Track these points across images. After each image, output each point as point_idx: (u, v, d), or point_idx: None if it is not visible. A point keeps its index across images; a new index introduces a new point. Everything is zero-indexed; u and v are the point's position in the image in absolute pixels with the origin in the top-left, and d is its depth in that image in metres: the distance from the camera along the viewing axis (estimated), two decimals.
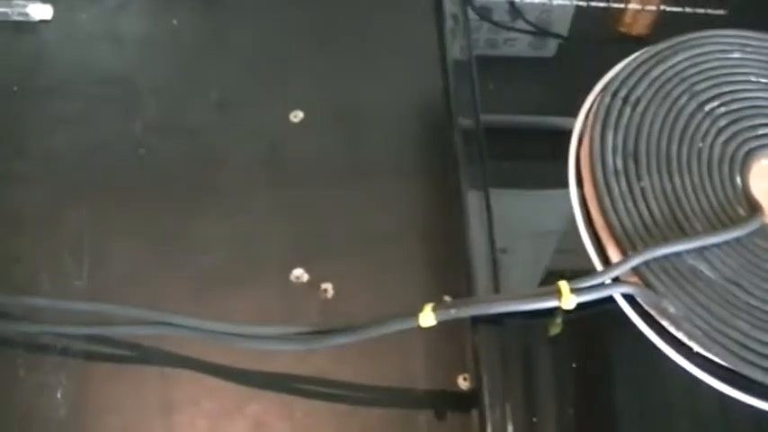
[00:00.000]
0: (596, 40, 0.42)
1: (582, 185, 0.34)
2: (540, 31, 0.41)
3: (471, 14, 0.41)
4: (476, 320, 0.31)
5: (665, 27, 0.41)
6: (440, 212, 0.36)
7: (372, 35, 0.42)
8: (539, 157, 0.35)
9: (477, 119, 0.35)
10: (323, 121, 0.39)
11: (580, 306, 0.30)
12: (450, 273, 0.33)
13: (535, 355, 0.30)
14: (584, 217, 0.33)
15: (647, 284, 0.31)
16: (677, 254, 0.32)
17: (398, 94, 0.40)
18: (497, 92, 0.37)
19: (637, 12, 0.43)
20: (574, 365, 0.30)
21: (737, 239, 0.32)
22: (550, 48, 0.41)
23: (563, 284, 0.30)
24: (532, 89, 0.38)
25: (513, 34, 0.41)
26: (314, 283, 0.34)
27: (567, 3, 0.42)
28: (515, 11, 0.42)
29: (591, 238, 0.33)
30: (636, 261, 0.31)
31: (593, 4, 0.43)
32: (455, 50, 0.38)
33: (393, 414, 0.31)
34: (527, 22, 0.41)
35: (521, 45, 0.40)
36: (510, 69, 0.39)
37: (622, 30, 0.42)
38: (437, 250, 0.34)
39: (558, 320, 0.31)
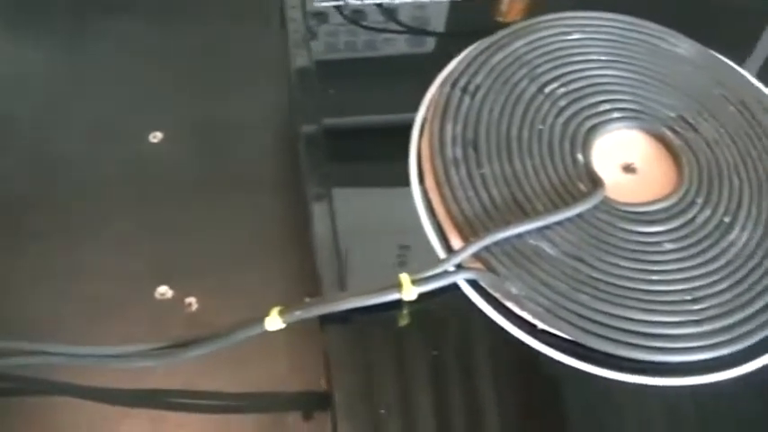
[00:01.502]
0: (457, 34, 0.42)
1: (424, 179, 0.35)
2: (388, 30, 0.41)
3: (311, 23, 0.41)
4: (324, 320, 0.31)
5: (543, 12, 0.42)
6: (298, 221, 0.36)
7: (226, 52, 0.43)
8: (384, 156, 0.36)
9: (320, 124, 0.36)
10: (182, 140, 0.40)
11: (428, 295, 0.31)
12: (310, 278, 0.34)
13: (385, 349, 0.31)
14: (426, 209, 0.34)
15: (490, 268, 0.32)
16: (519, 236, 0.32)
17: (254, 109, 0.41)
18: (343, 95, 0.38)
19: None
20: (423, 356, 0.30)
21: (580, 215, 0.33)
22: (398, 46, 0.41)
23: (404, 277, 0.31)
24: (379, 88, 0.39)
25: (369, 36, 0.42)
26: (178, 299, 0.34)
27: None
28: (385, 11, 0.43)
29: (435, 229, 0.33)
30: (475, 247, 0.32)
31: None
32: (299, 59, 0.39)
33: (262, 418, 0.32)
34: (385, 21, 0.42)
35: (369, 45, 0.41)
36: (356, 71, 0.40)
37: (499, 18, 0.43)
38: (298, 257, 0.35)
39: (405, 312, 0.31)
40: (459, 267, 0.32)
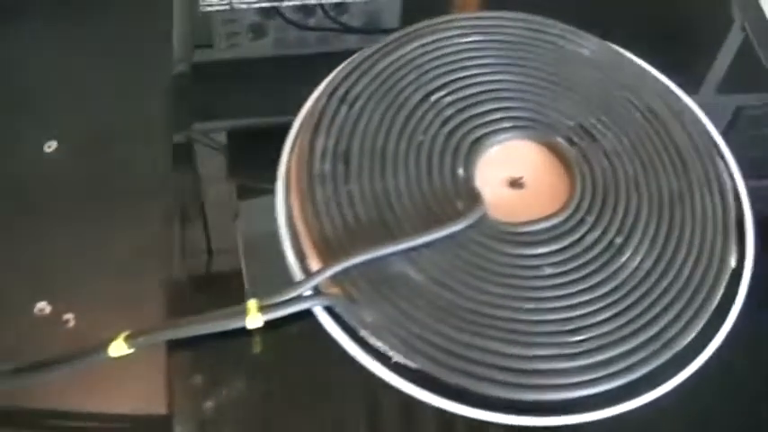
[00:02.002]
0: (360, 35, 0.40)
1: (289, 195, 0.33)
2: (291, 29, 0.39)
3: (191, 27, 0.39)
4: (171, 345, 0.29)
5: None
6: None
7: (121, 59, 0.41)
8: (255, 168, 0.33)
9: (190, 129, 0.34)
10: (76, 149, 0.38)
11: (282, 320, 0.29)
12: (191, 293, 0.33)
13: (230, 377, 0.28)
14: (288, 228, 0.32)
15: (347, 294, 0.30)
16: (382, 259, 0.30)
17: (149, 117, 0.39)
18: (221, 99, 0.36)
19: None
20: (268, 386, 0.29)
21: (452, 237, 0.31)
22: (288, 47, 0.39)
23: (252, 303, 0.29)
24: (263, 93, 0.36)
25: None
26: (56, 315, 0.33)
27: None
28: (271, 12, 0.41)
29: (294, 250, 0.31)
30: (330, 271, 0.30)
31: None
32: (179, 64, 0.36)
33: None
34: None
35: (256, 48, 0.38)
36: (241, 74, 0.37)
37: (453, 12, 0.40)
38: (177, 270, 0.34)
39: (256, 339, 0.29)
40: (317, 292, 0.30)
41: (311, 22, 0.40)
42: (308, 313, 0.30)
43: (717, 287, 0.31)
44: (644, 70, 0.38)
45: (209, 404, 0.28)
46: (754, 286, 0.32)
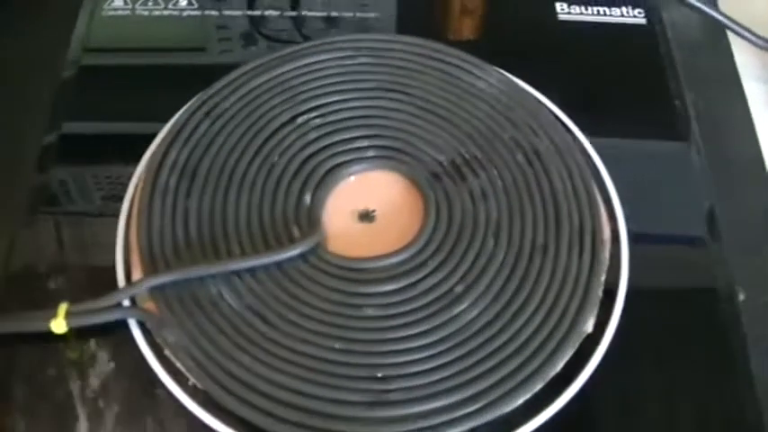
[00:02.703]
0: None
1: (133, 204, 0.32)
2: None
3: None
4: None
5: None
6: None
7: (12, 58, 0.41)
8: (113, 174, 0.33)
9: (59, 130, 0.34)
10: None
11: (99, 329, 0.28)
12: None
13: (37, 383, 0.28)
14: (124, 238, 0.31)
15: (159, 311, 0.29)
16: (201, 280, 0.29)
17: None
18: (103, 102, 0.36)
19: None
20: (69, 397, 0.28)
21: (280, 266, 0.30)
22: (180, 58, 0.38)
23: (62, 306, 0.29)
24: (146, 99, 0.36)
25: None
26: None
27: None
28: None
29: (124, 261, 0.31)
30: (140, 286, 0.29)
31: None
32: (67, 66, 0.37)
33: None
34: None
35: (152, 55, 0.38)
36: (131, 80, 0.37)
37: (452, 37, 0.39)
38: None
39: (67, 345, 0.29)
40: (133, 305, 0.29)
41: (300, 32, 0.39)
42: (123, 325, 0.29)
43: (559, 352, 0.28)
44: (541, 109, 0.35)
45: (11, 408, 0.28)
46: (611, 356, 0.29)
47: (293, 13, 0.40)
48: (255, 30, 0.40)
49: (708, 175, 0.35)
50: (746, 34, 0.41)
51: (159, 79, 0.37)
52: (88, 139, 0.35)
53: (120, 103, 0.36)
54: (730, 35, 0.42)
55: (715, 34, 0.43)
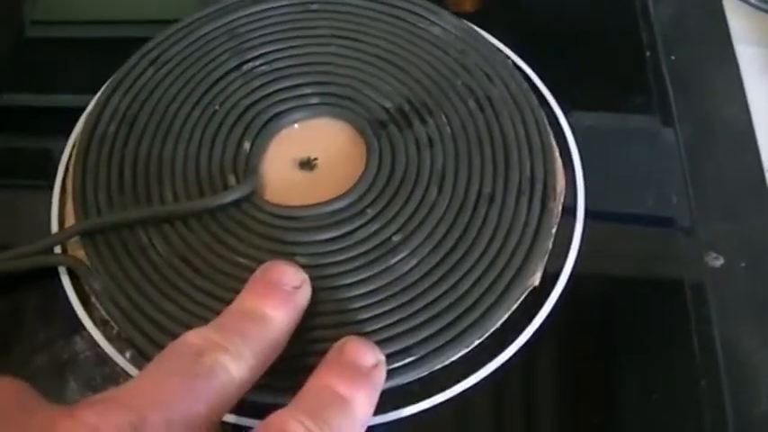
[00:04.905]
0: None
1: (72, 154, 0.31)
2: None
3: None
4: None
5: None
6: None
7: None
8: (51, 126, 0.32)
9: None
10: None
11: (30, 276, 0.27)
12: None
13: None
14: (61, 187, 0.30)
15: (88, 258, 0.28)
16: (132, 227, 0.28)
17: None
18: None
19: None
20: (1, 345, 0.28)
21: (210, 213, 0.28)
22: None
23: None
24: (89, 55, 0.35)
25: None
26: None
27: None
28: None
29: (59, 209, 0.29)
30: (67, 233, 0.28)
31: None
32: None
33: None
34: None
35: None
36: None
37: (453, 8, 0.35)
38: None
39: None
40: (64, 252, 0.28)
41: None
42: (56, 274, 0.28)
43: (499, 306, 0.26)
44: (498, 54, 0.32)
45: None
46: (557, 313, 0.26)
47: None
48: None
49: (678, 135, 0.31)
50: None
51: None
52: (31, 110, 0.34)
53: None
54: None
55: None
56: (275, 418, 0.21)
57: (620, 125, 0.32)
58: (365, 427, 0.23)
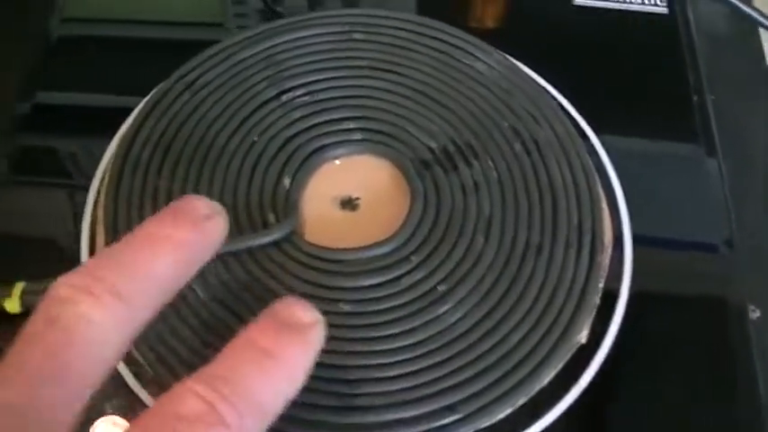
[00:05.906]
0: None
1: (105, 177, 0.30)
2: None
3: None
4: None
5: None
6: None
7: None
8: (87, 145, 0.31)
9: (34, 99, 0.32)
10: None
11: None
12: None
13: None
14: (92, 214, 0.29)
15: None
16: None
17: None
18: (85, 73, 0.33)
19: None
20: None
21: (249, 252, 0.26)
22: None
23: (18, 285, 0.26)
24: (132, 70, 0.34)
25: None
26: None
27: None
28: None
29: (89, 238, 0.28)
30: None
31: None
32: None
33: None
34: None
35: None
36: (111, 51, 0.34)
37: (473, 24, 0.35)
38: None
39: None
40: None
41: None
42: None
43: (547, 364, 0.25)
44: (544, 95, 0.31)
45: None
46: (606, 371, 0.26)
47: None
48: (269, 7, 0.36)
49: (724, 182, 0.31)
50: None
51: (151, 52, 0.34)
52: (64, 110, 0.33)
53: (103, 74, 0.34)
54: (762, 33, 0.38)
55: (745, 30, 0.38)
56: (170, 393, 0.17)
57: (667, 171, 0.31)
58: (292, 394, 0.19)
